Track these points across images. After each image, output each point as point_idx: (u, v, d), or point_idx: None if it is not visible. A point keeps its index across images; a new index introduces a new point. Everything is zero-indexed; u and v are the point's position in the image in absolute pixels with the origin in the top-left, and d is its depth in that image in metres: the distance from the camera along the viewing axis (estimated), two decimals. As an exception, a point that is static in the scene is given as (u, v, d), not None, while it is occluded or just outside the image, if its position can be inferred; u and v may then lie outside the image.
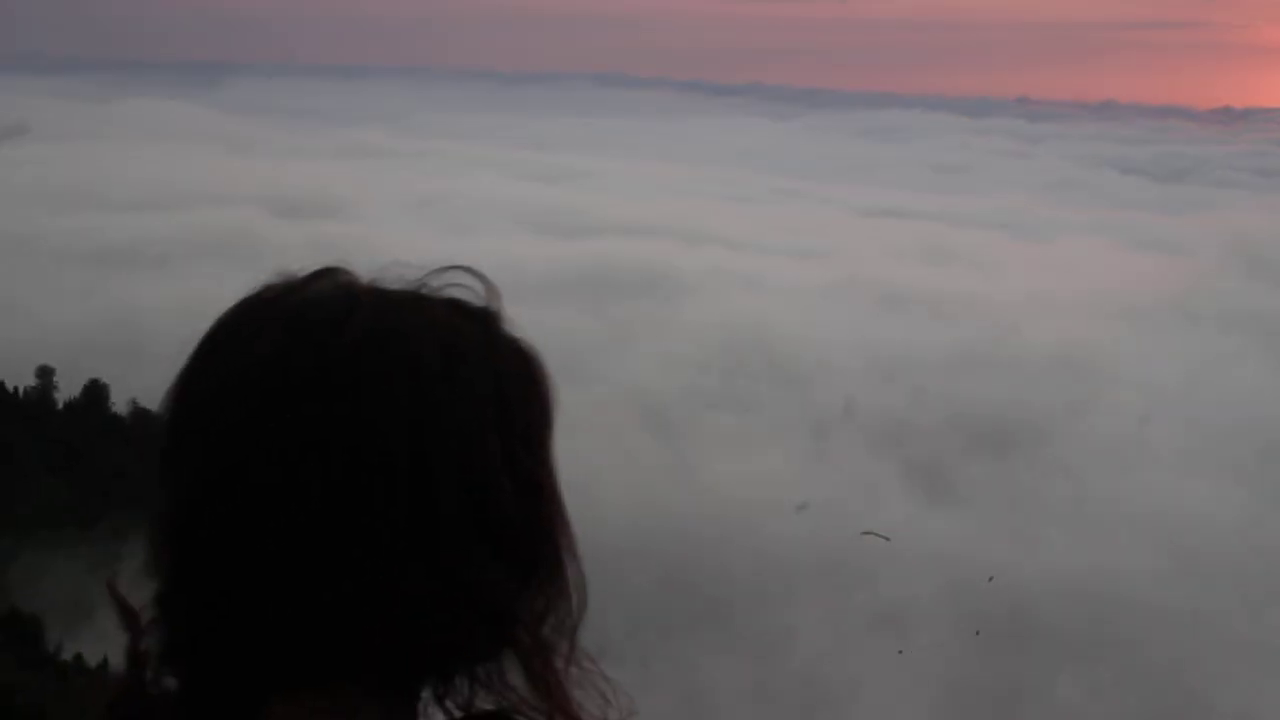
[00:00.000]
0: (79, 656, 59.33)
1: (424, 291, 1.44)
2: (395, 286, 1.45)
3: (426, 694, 1.39)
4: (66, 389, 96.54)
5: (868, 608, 69.64)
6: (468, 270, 1.43)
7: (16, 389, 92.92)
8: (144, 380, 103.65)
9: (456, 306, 1.39)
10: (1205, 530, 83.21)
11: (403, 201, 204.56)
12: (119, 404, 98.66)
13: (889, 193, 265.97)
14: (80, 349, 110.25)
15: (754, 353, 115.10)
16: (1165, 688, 65.77)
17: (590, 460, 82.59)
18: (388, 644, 1.28)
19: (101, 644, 65.70)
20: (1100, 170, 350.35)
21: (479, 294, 1.46)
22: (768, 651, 66.14)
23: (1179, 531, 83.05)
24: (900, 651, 60.36)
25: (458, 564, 1.31)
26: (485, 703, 1.39)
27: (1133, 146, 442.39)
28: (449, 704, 1.38)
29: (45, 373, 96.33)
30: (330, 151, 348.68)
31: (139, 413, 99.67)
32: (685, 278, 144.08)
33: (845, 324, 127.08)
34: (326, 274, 1.41)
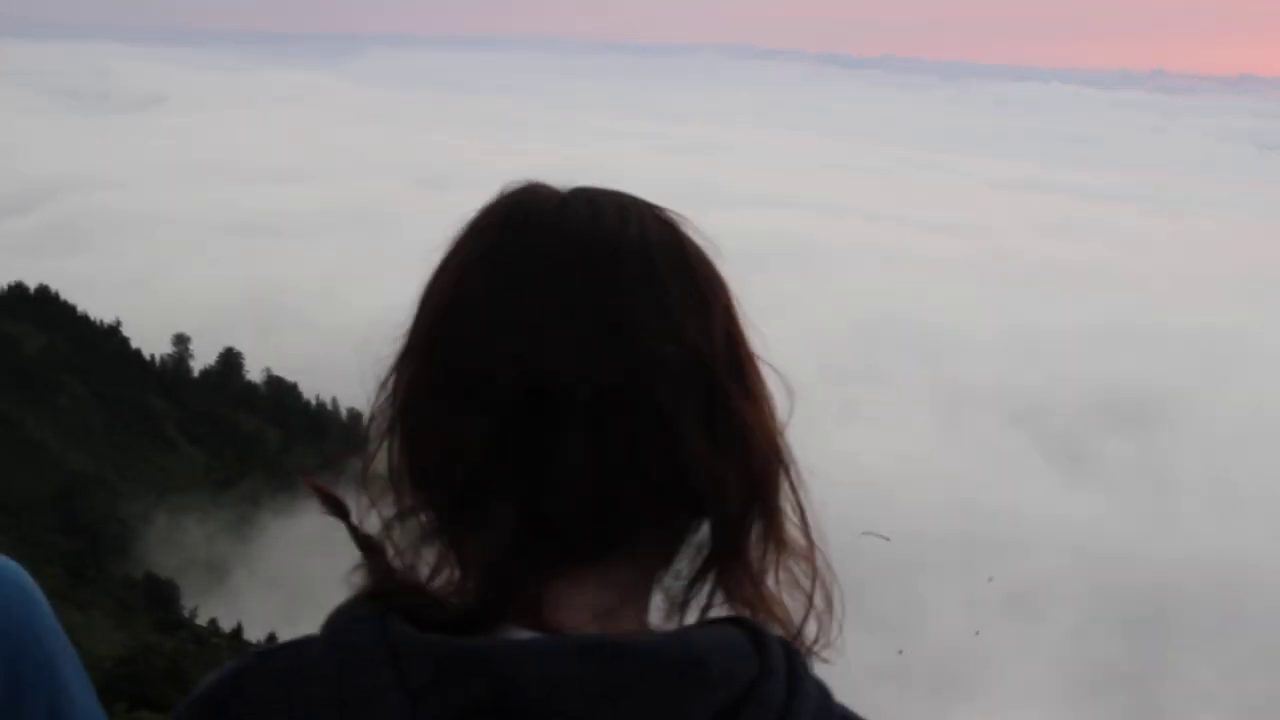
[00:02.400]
0: (213, 621, 59.88)
1: None
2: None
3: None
4: (202, 357, 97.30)
5: (1001, 585, 68.92)
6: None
7: (154, 357, 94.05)
8: (278, 349, 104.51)
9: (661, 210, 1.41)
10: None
11: (537, 172, 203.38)
12: (253, 372, 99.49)
13: (1025, 166, 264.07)
14: (216, 318, 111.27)
15: (891, 325, 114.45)
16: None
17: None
18: (666, 525, 1.27)
19: (234, 607, 66.17)
20: (1238, 145, 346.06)
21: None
22: (900, 627, 65.64)
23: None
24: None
25: (726, 437, 1.29)
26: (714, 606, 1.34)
27: (1272, 121, 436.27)
28: (688, 606, 1.34)
29: (181, 341, 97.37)
30: (465, 122, 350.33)
31: (273, 381, 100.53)
32: (821, 250, 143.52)
33: (982, 297, 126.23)
34: (537, 186, 1.39)
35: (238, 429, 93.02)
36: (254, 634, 64.93)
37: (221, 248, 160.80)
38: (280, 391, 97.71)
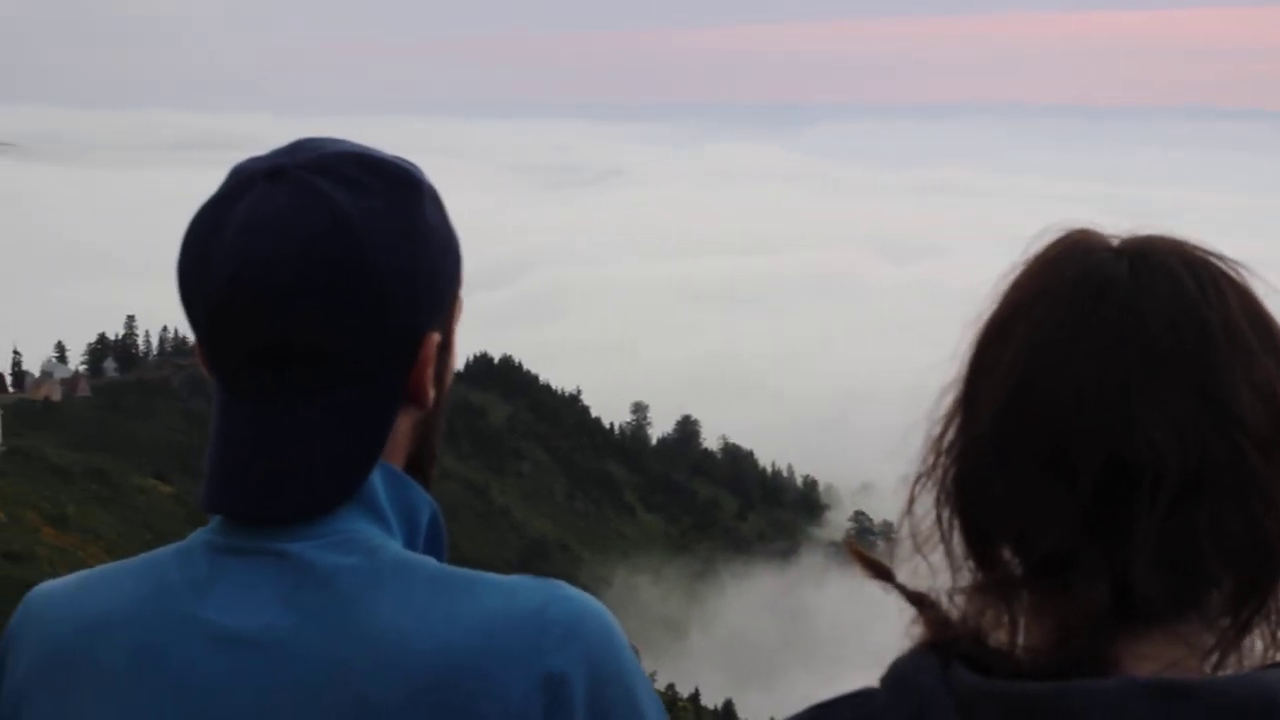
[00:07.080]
0: (671, 686, 60.70)
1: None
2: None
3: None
4: (660, 424, 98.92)
5: None
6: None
7: (613, 424, 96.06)
8: (734, 416, 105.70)
9: None
10: None
11: (995, 239, 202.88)
12: (709, 440, 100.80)
13: None
14: (673, 386, 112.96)
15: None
16: None
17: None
18: (1237, 583, 1.23)
19: (689, 668, 66.71)
20: None
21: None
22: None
23: None
24: None
25: None
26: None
27: None
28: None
29: (640, 408, 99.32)
30: (916, 190, 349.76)
31: (729, 448, 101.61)
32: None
33: None
34: (1092, 241, 1.32)
35: (694, 495, 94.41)
36: (710, 699, 65.67)
37: (679, 317, 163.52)
38: (736, 459, 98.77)
